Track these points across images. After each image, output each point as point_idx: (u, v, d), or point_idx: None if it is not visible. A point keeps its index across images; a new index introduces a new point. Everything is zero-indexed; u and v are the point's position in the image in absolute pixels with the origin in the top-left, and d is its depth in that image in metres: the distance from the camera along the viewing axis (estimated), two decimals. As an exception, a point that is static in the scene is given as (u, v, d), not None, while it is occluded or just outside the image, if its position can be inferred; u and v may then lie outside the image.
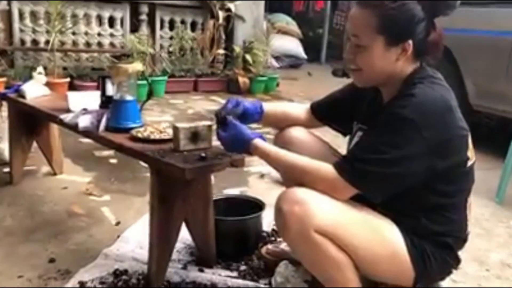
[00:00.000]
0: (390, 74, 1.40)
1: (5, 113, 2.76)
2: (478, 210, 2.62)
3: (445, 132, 1.32)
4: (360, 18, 1.37)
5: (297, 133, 1.75)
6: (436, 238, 1.41)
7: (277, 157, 1.45)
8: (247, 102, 1.70)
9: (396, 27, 1.34)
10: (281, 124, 1.79)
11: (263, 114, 1.73)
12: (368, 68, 1.40)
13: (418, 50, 1.37)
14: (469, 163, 1.40)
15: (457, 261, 1.47)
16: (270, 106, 1.78)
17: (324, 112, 1.76)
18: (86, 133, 1.98)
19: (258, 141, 1.49)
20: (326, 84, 6.19)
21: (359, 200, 1.38)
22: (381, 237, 1.36)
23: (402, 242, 1.37)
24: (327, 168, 1.35)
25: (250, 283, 1.81)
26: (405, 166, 1.29)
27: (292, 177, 1.43)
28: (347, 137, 1.70)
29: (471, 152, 1.41)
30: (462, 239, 1.47)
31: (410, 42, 1.35)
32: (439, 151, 1.31)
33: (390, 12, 1.32)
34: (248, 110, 1.67)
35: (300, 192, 1.33)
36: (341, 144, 1.80)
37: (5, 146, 2.82)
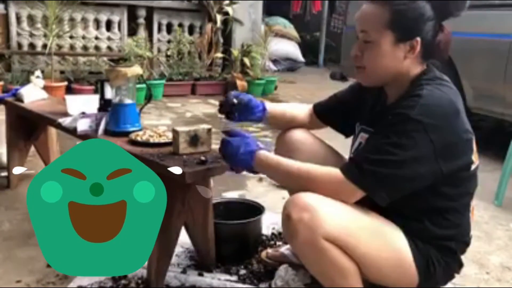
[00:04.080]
0: (397, 73, 1.40)
1: (2, 117, 2.74)
2: (477, 213, 2.62)
3: (451, 135, 1.31)
4: (370, 13, 1.38)
5: (300, 135, 1.74)
6: (440, 242, 1.40)
7: (281, 167, 1.42)
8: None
9: (405, 23, 1.34)
10: (285, 123, 1.78)
11: (266, 112, 1.74)
12: (375, 65, 1.40)
13: (426, 50, 1.37)
14: (473, 166, 1.40)
15: (459, 265, 1.47)
16: (274, 105, 1.79)
17: (327, 114, 1.76)
18: (84, 137, 1.97)
19: (263, 152, 1.46)
20: (324, 87, 6.21)
21: (364, 204, 1.36)
22: (387, 243, 1.36)
23: (407, 247, 1.36)
24: (333, 172, 1.33)
25: (250, 287, 1.80)
26: (412, 168, 1.28)
27: (298, 184, 1.39)
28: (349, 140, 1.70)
29: (475, 156, 1.40)
30: (465, 243, 1.47)
31: (419, 39, 1.35)
32: (445, 154, 1.30)
33: (400, 7, 1.34)
34: (252, 101, 1.71)
35: (309, 198, 1.31)
36: (341, 146, 1.80)
37: (3, 150, 2.80)
